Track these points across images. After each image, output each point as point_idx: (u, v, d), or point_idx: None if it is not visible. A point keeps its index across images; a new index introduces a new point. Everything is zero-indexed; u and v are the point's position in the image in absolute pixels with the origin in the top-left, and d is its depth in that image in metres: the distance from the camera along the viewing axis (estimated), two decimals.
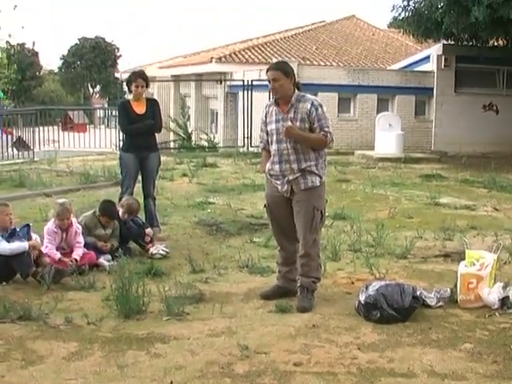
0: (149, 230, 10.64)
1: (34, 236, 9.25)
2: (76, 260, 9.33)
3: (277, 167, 8.01)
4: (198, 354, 6.69)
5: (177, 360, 6.56)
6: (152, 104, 11.51)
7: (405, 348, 6.86)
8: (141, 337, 7.17)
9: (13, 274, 8.87)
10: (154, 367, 6.42)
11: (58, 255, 9.22)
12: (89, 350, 6.86)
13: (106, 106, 46.28)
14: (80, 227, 9.80)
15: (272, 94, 8.09)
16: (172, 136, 27.51)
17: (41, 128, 26.41)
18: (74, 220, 9.74)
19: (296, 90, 7.99)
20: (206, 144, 25.63)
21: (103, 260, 9.74)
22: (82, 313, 7.76)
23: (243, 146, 24.79)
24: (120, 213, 10.48)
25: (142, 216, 11.12)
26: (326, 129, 7.88)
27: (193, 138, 27.30)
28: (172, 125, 26.22)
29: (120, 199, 10.98)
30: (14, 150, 23.99)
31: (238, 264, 9.71)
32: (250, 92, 25.87)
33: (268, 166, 8.13)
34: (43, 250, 9.17)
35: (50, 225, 9.56)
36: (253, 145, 23.95)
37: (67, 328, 7.43)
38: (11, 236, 8.98)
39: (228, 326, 7.40)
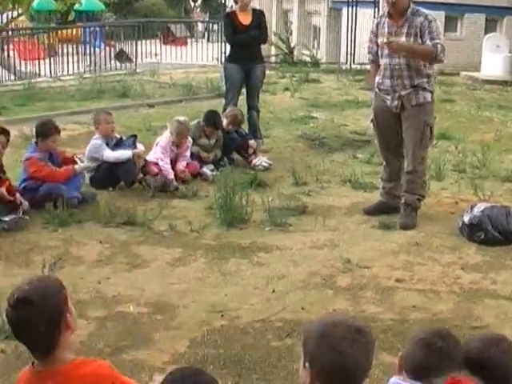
0: (252, 142, 10.59)
1: (140, 146, 9.31)
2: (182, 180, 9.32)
3: (387, 82, 7.76)
4: (301, 265, 6.69)
5: (279, 270, 6.58)
6: (258, 15, 11.32)
7: (508, 271, 6.69)
8: (243, 245, 7.22)
9: (118, 181, 9.01)
10: (257, 276, 6.46)
11: (171, 175, 9.21)
12: (192, 256, 6.95)
13: (207, 19, 45.89)
14: (191, 141, 9.82)
15: (388, 6, 7.78)
16: (274, 51, 27.20)
17: (142, 41, 26.48)
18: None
19: (411, 4, 7.68)
20: (308, 60, 25.25)
21: (206, 170, 9.78)
22: (186, 220, 7.85)
23: (346, 62, 24.30)
24: (224, 123, 10.44)
25: (245, 128, 11.07)
26: (437, 41, 7.55)
27: (295, 53, 26.94)
28: (274, 39, 25.88)
29: (224, 110, 10.94)
30: (117, 62, 24.15)
31: (340, 178, 9.59)
32: (354, 8, 25.25)
33: (377, 79, 7.90)
34: (160, 164, 9.19)
35: (166, 140, 9.48)
36: (356, 62, 23.47)
37: (171, 234, 7.54)
38: (117, 145, 9.08)
39: (330, 238, 7.37)
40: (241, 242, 7.29)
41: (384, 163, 8.27)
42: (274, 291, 6.10)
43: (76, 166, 8.25)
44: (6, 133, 7.85)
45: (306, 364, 2.75)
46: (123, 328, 5.46)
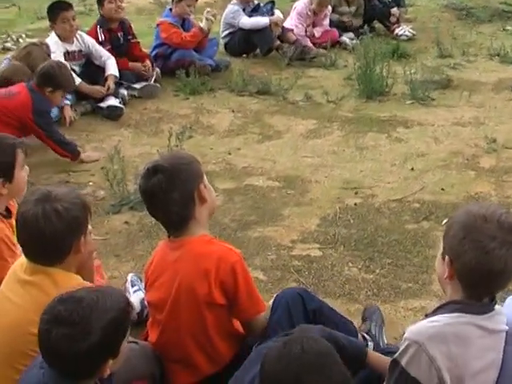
0: (395, 10, 9.88)
1: (278, 13, 8.86)
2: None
3: None
4: (442, 143, 6.22)
5: (419, 146, 6.15)
6: None
7: None
8: (382, 119, 6.79)
9: (253, 49, 8.64)
10: (395, 152, 6.06)
11: (308, 42, 8.73)
12: (327, 128, 6.60)
13: None
14: (330, 9, 9.27)
15: None
16: None
17: None
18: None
19: None
20: None
21: (345, 38, 9.25)
22: (322, 90, 7.46)
23: None
24: None
25: None
26: None
27: None
28: None
29: None
30: None
31: (488, 52, 8.85)
32: None
33: None
34: (296, 31, 8.76)
35: (303, 5, 8.98)
36: None
37: (306, 105, 7.19)
38: (254, 11, 8.66)
39: (475, 116, 6.81)
40: (379, 116, 6.86)
41: None
42: (412, 169, 5.70)
43: (202, 24, 7.86)
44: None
45: (446, 257, 2.44)
46: (251, 202, 5.23)
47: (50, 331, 2.26)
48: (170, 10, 7.92)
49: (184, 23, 7.93)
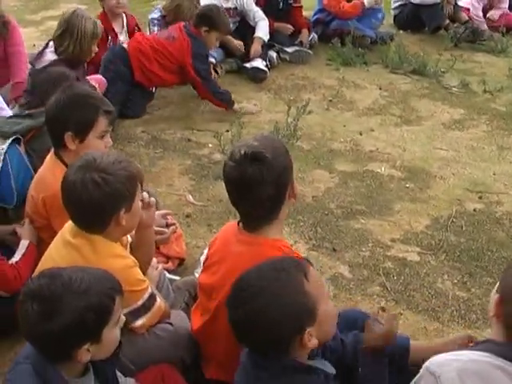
0: None
1: None
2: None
3: None
4: None
5: None
6: None
7: None
8: None
9: (423, 25, 8.14)
10: None
11: (483, 25, 8.13)
12: (474, 120, 6.13)
13: None
14: None
15: None
16: None
17: None
18: None
19: None
20: None
21: None
22: (482, 78, 6.90)
23: None
24: None
25: None
26: None
27: None
28: None
29: None
30: None
31: None
32: None
33: None
34: (471, 11, 8.22)
35: None
36: None
37: (459, 92, 6.70)
38: None
39: None
40: None
41: None
42: None
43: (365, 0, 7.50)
44: None
45: (498, 295, 2.21)
46: (365, 190, 4.93)
47: (24, 304, 2.18)
48: None
49: None
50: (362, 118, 6.09)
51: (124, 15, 6.35)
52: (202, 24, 5.80)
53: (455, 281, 4.00)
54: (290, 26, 7.22)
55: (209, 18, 5.81)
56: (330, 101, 6.35)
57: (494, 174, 5.21)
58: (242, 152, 2.63)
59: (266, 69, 6.73)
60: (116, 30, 6.23)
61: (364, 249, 4.25)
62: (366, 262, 4.12)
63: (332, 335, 2.51)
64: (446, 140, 5.74)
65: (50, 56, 5.19)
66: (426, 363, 2.17)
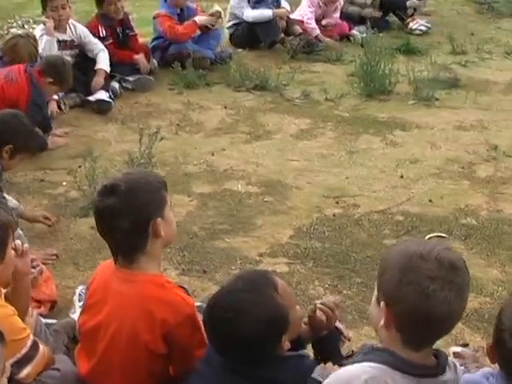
0: (412, 1, 9.46)
1: (285, 4, 8.51)
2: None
3: None
4: (439, 148, 5.90)
5: (413, 152, 5.83)
6: None
7: None
8: (380, 120, 6.48)
9: (259, 41, 8.31)
10: (387, 157, 5.76)
11: (316, 32, 8.42)
12: (320, 129, 6.30)
13: None
14: (341, 1, 8.93)
15: None
16: None
17: None
18: None
19: None
20: None
21: (356, 31, 8.89)
22: (323, 87, 7.11)
23: None
24: None
25: None
26: None
27: None
28: None
29: None
30: None
31: (504, 49, 8.42)
32: None
33: None
34: (305, 20, 8.46)
35: None
36: None
37: (302, 102, 6.88)
38: (259, 2, 8.31)
39: (479, 119, 6.44)
40: (377, 116, 6.55)
41: None
42: (402, 177, 5.39)
43: (197, 18, 7.56)
44: None
45: (382, 302, 2.14)
46: (225, 209, 4.97)
47: None
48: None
49: (183, 12, 7.63)
50: (212, 139, 6.12)
51: None
52: (48, 75, 5.67)
53: (326, 285, 4.10)
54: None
55: (56, 73, 5.70)
56: (178, 125, 6.36)
57: (347, 178, 5.37)
58: (104, 185, 2.71)
59: (110, 100, 6.66)
60: None
61: (233, 267, 4.27)
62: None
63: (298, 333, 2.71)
64: (297, 151, 5.87)
65: None
66: (327, 380, 2.19)
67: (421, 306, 2.05)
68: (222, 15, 7.87)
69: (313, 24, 8.50)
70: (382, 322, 2.15)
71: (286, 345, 2.53)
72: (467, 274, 2.13)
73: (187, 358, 2.71)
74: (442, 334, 2.20)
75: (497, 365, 2.28)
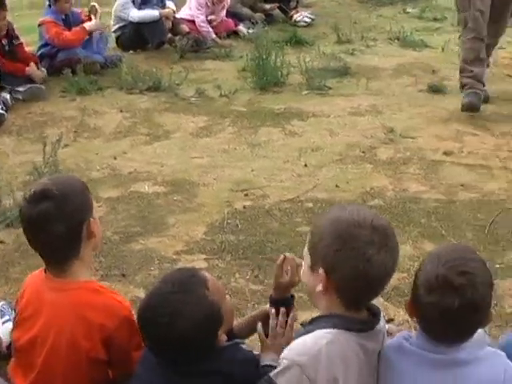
0: None
1: (170, 4, 8.52)
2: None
3: None
4: (338, 135, 6.02)
5: (314, 140, 5.93)
6: None
7: None
8: (276, 112, 6.56)
9: (146, 43, 8.29)
10: (289, 147, 5.83)
11: (211, 35, 8.46)
12: (219, 125, 6.32)
13: None
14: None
15: None
16: None
17: None
18: None
19: None
20: None
21: (243, 27, 8.98)
22: (216, 84, 7.17)
23: None
24: None
25: None
26: None
27: None
28: None
29: None
30: None
31: (388, 36, 8.71)
32: None
33: None
34: (197, 21, 8.47)
35: None
36: None
37: (198, 100, 6.90)
38: (144, 3, 8.28)
39: (373, 104, 6.63)
40: (273, 108, 6.63)
41: None
42: (306, 165, 5.47)
43: (86, 25, 7.49)
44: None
45: (321, 269, 2.23)
46: (136, 211, 4.91)
47: None
48: (50, 5, 7.48)
49: (67, 17, 7.52)
50: (112, 143, 6.05)
51: None
52: None
53: (247, 277, 4.11)
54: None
55: None
56: (75, 132, 6.25)
57: (253, 171, 5.41)
58: (32, 191, 2.59)
59: (2, 112, 6.48)
60: None
61: (152, 267, 4.24)
62: (158, 280, 4.11)
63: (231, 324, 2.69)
64: (199, 148, 5.87)
65: None
66: (285, 352, 2.24)
67: (362, 270, 2.17)
68: (99, 9, 7.77)
69: (206, 27, 8.53)
70: (319, 288, 2.25)
71: (223, 337, 2.52)
72: (395, 237, 2.27)
73: (127, 361, 2.67)
74: (378, 293, 2.35)
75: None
